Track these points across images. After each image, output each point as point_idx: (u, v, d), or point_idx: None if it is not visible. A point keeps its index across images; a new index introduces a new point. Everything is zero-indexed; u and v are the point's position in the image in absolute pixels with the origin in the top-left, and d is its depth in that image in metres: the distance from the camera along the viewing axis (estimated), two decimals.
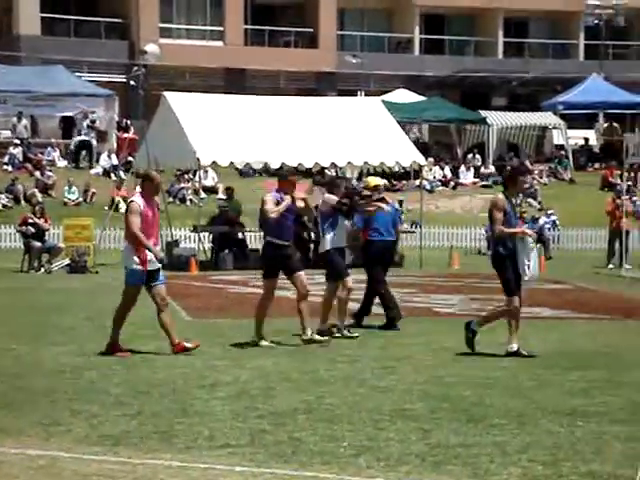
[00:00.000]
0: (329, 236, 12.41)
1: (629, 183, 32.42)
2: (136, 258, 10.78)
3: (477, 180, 39.32)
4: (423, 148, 34.48)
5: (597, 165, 41.47)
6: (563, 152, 41.76)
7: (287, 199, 11.59)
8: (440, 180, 38.71)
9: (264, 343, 11.59)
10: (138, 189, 11.49)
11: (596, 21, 47.94)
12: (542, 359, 10.75)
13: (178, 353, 10.76)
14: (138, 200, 10.90)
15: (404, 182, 36.17)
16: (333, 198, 12.50)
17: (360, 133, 24.18)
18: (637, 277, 21.45)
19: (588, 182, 38.39)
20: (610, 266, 24.43)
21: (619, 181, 29.26)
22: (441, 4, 49.98)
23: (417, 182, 30.40)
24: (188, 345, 10.91)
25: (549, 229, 31.35)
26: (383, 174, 34.71)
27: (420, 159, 24.96)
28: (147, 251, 10.77)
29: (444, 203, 36.45)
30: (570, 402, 8.42)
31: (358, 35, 50.41)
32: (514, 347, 10.92)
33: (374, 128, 24.56)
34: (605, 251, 25.68)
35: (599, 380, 9.49)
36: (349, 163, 24.76)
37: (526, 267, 10.86)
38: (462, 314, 15.15)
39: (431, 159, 38.53)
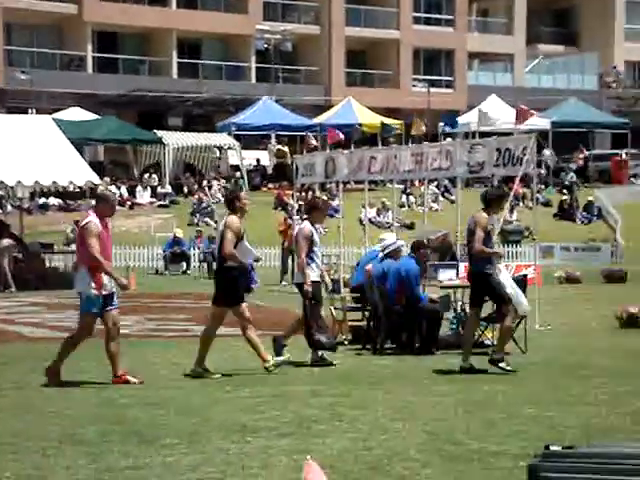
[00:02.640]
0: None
1: (300, 203, 33.63)
2: (92, 283, 10.16)
3: (154, 200, 39.34)
4: (98, 167, 34.09)
5: (270, 185, 42.69)
6: (238, 172, 42.65)
7: None
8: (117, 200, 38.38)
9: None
10: (91, 210, 10.75)
11: (266, 45, 49.45)
12: (214, 377, 10.88)
13: (117, 384, 10.30)
14: (95, 220, 10.29)
15: (79, 202, 35.55)
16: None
17: (31, 152, 23.49)
18: None
19: (262, 202, 39.40)
20: (283, 283, 25.19)
21: (291, 201, 30.20)
22: (113, 22, 49.62)
23: (92, 202, 29.94)
24: (131, 379, 10.39)
25: None
26: (58, 193, 34.01)
27: (94, 178, 24.59)
28: (103, 275, 10.16)
29: (121, 222, 36.08)
30: (240, 418, 8.57)
31: (28, 51, 48.98)
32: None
33: (45, 147, 23.94)
34: (278, 269, 26.46)
35: (268, 395, 9.73)
36: (19, 182, 23.96)
37: (520, 297, 11.21)
38: (138, 335, 15.10)
39: (107, 178, 38.13)
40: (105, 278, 10.34)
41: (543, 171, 42.45)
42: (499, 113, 43.17)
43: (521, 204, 38.21)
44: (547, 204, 39.65)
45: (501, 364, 11.11)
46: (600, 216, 39.86)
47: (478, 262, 11.25)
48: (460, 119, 47.88)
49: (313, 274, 11.90)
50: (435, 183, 39.78)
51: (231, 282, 11.18)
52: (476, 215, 11.43)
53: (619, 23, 62.53)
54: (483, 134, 35.65)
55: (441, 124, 46.26)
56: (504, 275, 11.37)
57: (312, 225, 12.10)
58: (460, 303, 14.40)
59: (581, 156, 46.27)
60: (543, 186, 42.00)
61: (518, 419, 8.49)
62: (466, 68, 58.23)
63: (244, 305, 11.24)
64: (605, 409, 8.99)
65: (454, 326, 13.97)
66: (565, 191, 41.79)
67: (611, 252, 34.06)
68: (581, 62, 61.37)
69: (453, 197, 37.09)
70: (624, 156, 46.57)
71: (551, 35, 63.52)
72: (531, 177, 19.44)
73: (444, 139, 38.84)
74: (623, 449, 3.51)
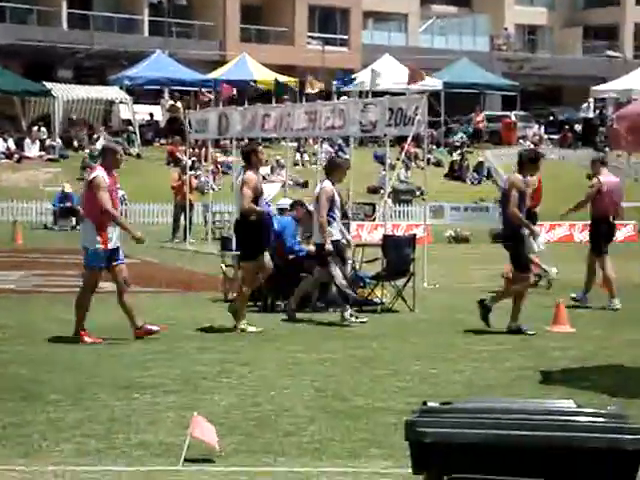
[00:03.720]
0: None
1: (193, 159, 33.36)
2: (98, 238, 10.06)
3: (43, 153, 38.51)
4: None
5: (163, 140, 42.19)
6: (130, 127, 42.03)
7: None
8: (4, 152, 37.47)
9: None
10: (98, 164, 10.64)
11: None
12: (103, 333, 10.77)
13: (140, 337, 10.22)
14: (102, 174, 10.16)
15: None
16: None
17: None
18: (199, 251, 22.16)
19: (155, 157, 38.96)
20: (175, 240, 25.01)
21: (184, 157, 29.89)
22: None
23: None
24: (153, 328, 10.33)
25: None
26: None
27: None
28: (110, 230, 10.09)
29: (8, 176, 35.36)
30: (128, 375, 8.52)
31: None
32: (521, 325, 11.19)
33: None
34: (171, 225, 26.25)
35: (157, 352, 9.68)
36: None
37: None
38: (22, 290, 14.85)
39: None
40: (110, 233, 10.24)
41: (435, 132, 42.88)
42: (392, 73, 43.37)
43: (413, 164, 38.60)
44: (438, 164, 40.13)
45: (523, 328, 11.23)
46: (489, 176, 40.56)
47: (511, 223, 11.36)
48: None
49: (335, 233, 11.90)
50: (329, 142, 39.86)
51: (249, 234, 11.03)
52: (511, 176, 11.64)
53: None
54: (377, 93, 35.81)
55: (335, 82, 46.23)
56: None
57: (333, 185, 12.06)
58: (351, 262, 14.50)
59: (479, 118, 46.66)
60: (435, 146, 42.46)
61: (404, 375, 8.64)
62: (361, 27, 58.30)
63: (253, 264, 11.05)
64: (487, 365, 9.22)
65: None
66: (455, 152, 42.32)
67: (499, 212, 34.64)
68: (473, 24, 62.01)
69: (347, 156, 37.21)
70: (513, 118, 47.33)
71: None
72: (422, 137, 19.65)
73: (338, 98, 38.88)
74: (496, 404, 3.63)
